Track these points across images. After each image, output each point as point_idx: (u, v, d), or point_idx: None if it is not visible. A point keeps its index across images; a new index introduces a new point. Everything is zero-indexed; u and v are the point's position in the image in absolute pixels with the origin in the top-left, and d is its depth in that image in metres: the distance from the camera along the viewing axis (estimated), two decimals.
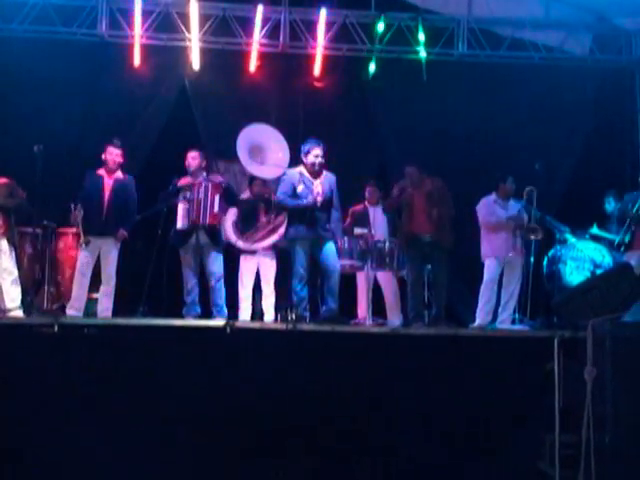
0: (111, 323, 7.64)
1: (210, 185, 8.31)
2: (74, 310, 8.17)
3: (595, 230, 9.47)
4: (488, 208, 8.92)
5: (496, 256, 8.79)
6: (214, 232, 8.36)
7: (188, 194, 8.23)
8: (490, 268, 8.81)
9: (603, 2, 10.62)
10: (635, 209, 8.70)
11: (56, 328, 6.86)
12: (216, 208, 8.27)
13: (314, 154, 8.08)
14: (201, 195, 8.25)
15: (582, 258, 9.41)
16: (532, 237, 8.86)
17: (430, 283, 8.73)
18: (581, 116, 10.81)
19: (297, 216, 7.98)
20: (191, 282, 8.28)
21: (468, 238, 8.97)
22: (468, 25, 10.71)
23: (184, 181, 8.37)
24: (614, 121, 10.76)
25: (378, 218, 9.35)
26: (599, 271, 9.05)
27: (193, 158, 8.48)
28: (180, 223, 8.24)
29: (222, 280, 8.35)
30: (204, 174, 8.52)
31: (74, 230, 8.62)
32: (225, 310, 8.23)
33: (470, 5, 10.72)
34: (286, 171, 8.22)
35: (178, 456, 6.61)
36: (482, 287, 8.79)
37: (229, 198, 8.53)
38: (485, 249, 8.89)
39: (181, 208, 8.25)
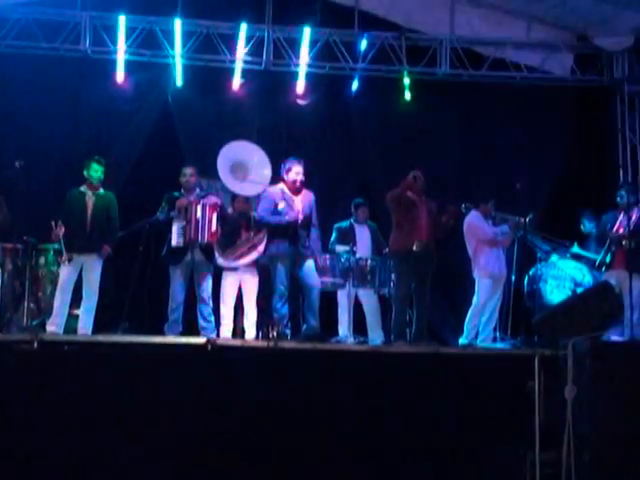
0: (92, 340, 7.60)
1: (208, 204, 8.31)
2: (55, 326, 8.12)
3: (576, 249, 9.53)
4: (480, 223, 8.95)
5: (491, 274, 8.80)
6: (209, 250, 8.38)
7: (185, 213, 8.22)
8: (484, 289, 8.80)
9: (584, 23, 10.73)
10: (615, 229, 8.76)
11: (36, 345, 6.81)
12: (214, 227, 8.29)
13: (295, 171, 8.09)
14: (199, 214, 8.24)
15: (563, 277, 9.47)
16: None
17: (412, 300, 8.72)
18: (562, 136, 10.89)
19: (278, 233, 7.98)
20: (178, 299, 8.26)
21: (449, 256, 8.99)
22: (451, 44, 10.79)
23: (183, 201, 8.34)
24: (594, 141, 10.84)
25: (363, 236, 9.37)
26: (580, 290, 9.11)
27: (191, 175, 8.51)
28: (175, 241, 8.23)
29: (211, 302, 8.36)
30: (197, 191, 8.53)
31: (55, 246, 8.58)
32: (214, 332, 8.25)
33: (452, 25, 10.79)
34: (267, 188, 8.22)
35: (159, 472, 6.56)
36: (476, 306, 8.77)
37: (222, 217, 8.53)
38: (480, 266, 8.89)
39: (176, 226, 8.24)
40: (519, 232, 9.03)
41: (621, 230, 8.67)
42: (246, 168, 8.40)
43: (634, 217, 8.69)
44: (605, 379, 5.72)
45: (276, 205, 8.04)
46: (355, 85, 10.68)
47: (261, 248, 8.48)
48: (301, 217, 7.98)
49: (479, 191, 9.28)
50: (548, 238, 9.68)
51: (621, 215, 8.79)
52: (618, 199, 8.91)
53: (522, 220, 8.91)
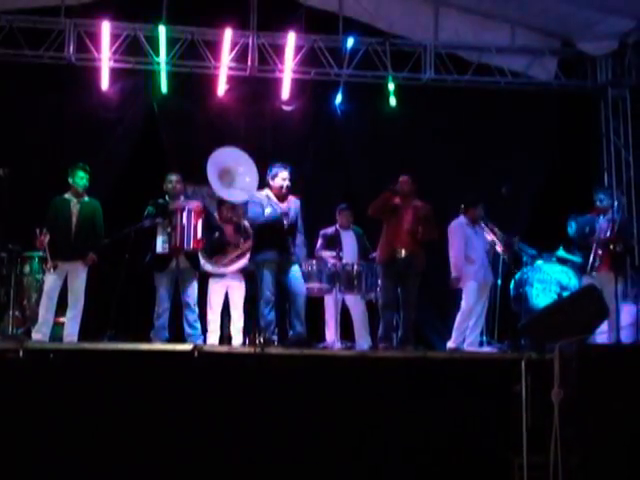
0: (78, 348, 7.56)
1: (193, 211, 8.30)
2: (40, 334, 8.07)
3: (562, 252, 9.55)
4: (464, 233, 8.94)
5: (475, 279, 8.81)
6: (194, 257, 8.36)
7: (171, 220, 8.20)
8: (471, 293, 8.78)
9: (568, 28, 10.78)
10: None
11: (21, 353, 6.77)
12: (199, 234, 8.26)
13: (281, 177, 8.07)
14: (184, 221, 8.22)
15: (549, 280, 9.49)
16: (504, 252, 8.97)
17: (399, 305, 8.71)
18: (546, 140, 10.95)
19: (265, 240, 7.95)
20: (163, 305, 8.22)
21: (437, 261, 8.99)
22: (435, 50, 10.84)
23: (175, 206, 8.32)
24: (579, 145, 10.89)
25: (349, 241, 9.37)
26: (565, 293, 9.14)
27: (177, 182, 8.49)
28: (160, 247, 8.20)
29: (197, 309, 8.35)
30: (182, 198, 8.52)
31: (40, 254, 8.54)
32: (200, 338, 8.23)
33: (437, 30, 10.83)
34: (254, 193, 8.20)
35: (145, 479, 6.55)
36: (464, 312, 8.76)
37: (208, 223, 8.50)
38: (465, 271, 8.89)
39: (161, 233, 8.20)
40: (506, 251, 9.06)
41: (602, 234, 8.69)
42: (233, 175, 8.38)
43: (610, 220, 8.74)
44: (591, 382, 5.73)
45: (263, 210, 8.00)
46: (339, 98, 10.70)
47: (249, 255, 8.48)
48: (286, 221, 7.95)
49: (468, 195, 9.27)
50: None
51: (601, 218, 8.83)
52: (597, 202, 8.93)
53: (509, 240, 8.95)
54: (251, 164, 8.43)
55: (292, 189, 8.15)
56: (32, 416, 6.51)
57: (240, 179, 8.39)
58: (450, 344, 8.72)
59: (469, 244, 8.90)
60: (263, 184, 8.19)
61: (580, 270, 8.96)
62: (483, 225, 9.07)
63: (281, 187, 8.04)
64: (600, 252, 8.68)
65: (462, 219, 9.02)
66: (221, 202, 8.90)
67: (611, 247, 8.57)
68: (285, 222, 7.94)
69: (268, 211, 7.92)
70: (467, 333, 8.76)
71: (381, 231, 8.63)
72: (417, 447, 6.72)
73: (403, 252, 8.29)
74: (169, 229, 8.19)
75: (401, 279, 8.38)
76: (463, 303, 8.83)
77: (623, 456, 5.64)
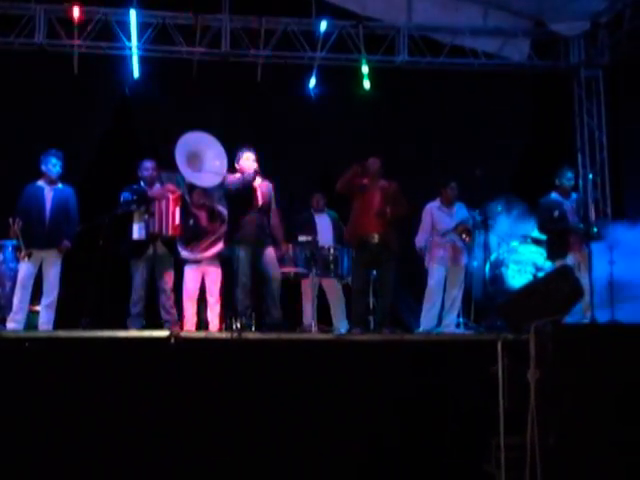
0: (53, 336, 7.51)
1: (170, 197, 8.25)
2: (15, 323, 8.02)
3: (536, 233, 9.57)
4: (432, 216, 8.96)
5: (440, 262, 8.84)
6: (171, 243, 8.35)
7: (147, 207, 8.16)
8: (434, 273, 8.84)
9: (540, 8, 10.80)
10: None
11: None
12: (177, 220, 8.24)
13: (245, 157, 8.08)
14: (162, 207, 8.19)
15: (524, 261, 9.55)
16: (464, 237, 8.90)
17: (375, 288, 8.72)
18: (520, 121, 10.97)
19: (240, 223, 7.94)
20: (140, 292, 8.20)
21: (411, 244, 9.01)
22: (408, 32, 10.83)
23: (156, 193, 8.27)
24: (553, 126, 10.93)
25: (324, 225, 9.35)
26: (541, 274, 9.17)
27: (152, 168, 8.46)
28: (137, 234, 8.15)
29: (172, 295, 8.32)
30: (157, 185, 8.47)
31: (13, 242, 8.47)
32: (176, 325, 8.21)
33: (410, 13, 10.82)
34: (227, 175, 8.17)
35: (123, 467, 6.51)
36: (426, 292, 8.82)
37: (184, 210, 8.47)
38: (429, 255, 8.92)
39: (138, 219, 8.15)
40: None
41: (571, 218, 8.70)
42: (201, 159, 8.36)
43: (575, 201, 8.79)
44: (567, 362, 5.76)
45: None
46: (313, 82, 10.66)
47: (224, 240, 8.46)
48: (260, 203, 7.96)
49: (439, 177, 9.28)
50: None
51: (567, 201, 8.83)
52: (565, 181, 8.87)
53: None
54: (219, 147, 8.40)
55: (267, 173, 8.13)
56: (7, 405, 6.47)
57: (209, 163, 8.36)
58: (420, 330, 8.71)
59: (437, 227, 8.93)
60: (234, 170, 8.15)
61: (554, 255, 8.90)
62: (461, 204, 9.08)
63: (246, 167, 8.01)
64: (571, 236, 8.67)
65: (436, 201, 9.04)
66: (192, 187, 8.84)
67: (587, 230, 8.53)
68: (258, 200, 7.94)
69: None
70: (443, 314, 8.80)
71: None
72: (395, 430, 6.75)
73: (376, 237, 8.28)
74: (146, 216, 8.15)
75: (375, 263, 8.38)
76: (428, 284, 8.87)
77: (600, 435, 5.69)
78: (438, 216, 8.98)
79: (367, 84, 10.74)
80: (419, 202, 9.16)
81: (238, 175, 8.07)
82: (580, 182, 9.29)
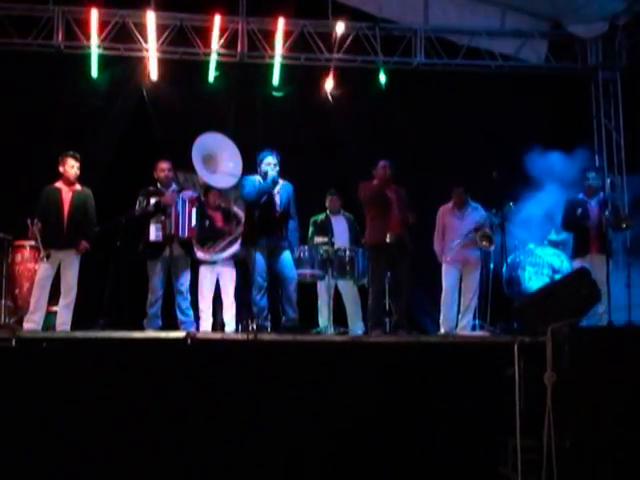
0: (71, 336, 7.54)
1: (187, 199, 8.28)
2: (33, 323, 8.06)
3: (554, 236, 9.55)
4: (443, 220, 8.98)
5: (451, 263, 8.84)
6: (188, 244, 8.37)
7: (165, 208, 8.18)
8: (448, 275, 8.85)
9: (558, 10, 10.76)
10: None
11: (14, 342, 6.75)
12: (193, 222, 8.27)
13: (266, 162, 8.05)
14: (179, 209, 8.21)
15: (541, 264, 9.51)
16: (484, 244, 8.89)
17: (391, 290, 8.72)
18: (538, 123, 10.92)
19: (257, 224, 7.93)
20: (157, 294, 8.22)
21: (425, 246, 9.00)
22: (425, 34, 10.82)
23: (168, 198, 8.28)
24: (570, 128, 10.88)
25: (340, 227, 9.35)
26: (558, 276, 9.14)
27: (168, 169, 8.47)
28: (154, 235, 8.18)
29: (189, 295, 8.35)
30: (174, 186, 8.50)
31: (31, 243, 8.52)
32: (192, 326, 8.23)
33: (426, 14, 10.81)
34: (245, 176, 8.18)
35: (140, 467, 6.53)
36: (443, 295, 8.83)
37: (201, 211, 8.50)
38: (443, 258, 8.93)
39: (155, 221, 8.17)
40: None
41: (595, 217, 8.68)
42: (217, 160, 8.39)
43: (601, 202, 8.75)
44: (584, 364, 5.74)
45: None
46: (329, 83, 10.63)
47: (240, 241, 8.47)
48: (278, 201, 7.96)
49: (456, 178, 9.27)
50: None
51: (593, 201, 8.83)
52: (590, 181, 8.92)
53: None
54: (234, 149, 8.43)
55: (283, 175, 8.13)
56: (25, 405, 6.49)
57: (224, 164, 8.39)
58: (441, 332, 8.76)
59: (448, 229, 8.98)
60: (254, 171, 8.16)
61: (572, 253, 8.95)
62: (477, 205, 9.09)
63: (266, 173, 8.01)
64: (592, 235, 8.67)
65: (449, 204, 9.06)
66: (208, 188, 8.87)
67: (603, 230, 8.54)
68: (277, 206, 7.94)
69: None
70: (459, 317, 8.80)
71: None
72: (411, 431, 6.73)
73: (393, 238, 8.26)
74: (163, 217, 8.17)
75: (390, 266, 8.38)
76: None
77: (616, 438, 5.67)
78: (449, 220, 9.02)
79: (383, 86, 10.72)
80: (435, 203, 9.15)
81: (258, 179, 8.02)
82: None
